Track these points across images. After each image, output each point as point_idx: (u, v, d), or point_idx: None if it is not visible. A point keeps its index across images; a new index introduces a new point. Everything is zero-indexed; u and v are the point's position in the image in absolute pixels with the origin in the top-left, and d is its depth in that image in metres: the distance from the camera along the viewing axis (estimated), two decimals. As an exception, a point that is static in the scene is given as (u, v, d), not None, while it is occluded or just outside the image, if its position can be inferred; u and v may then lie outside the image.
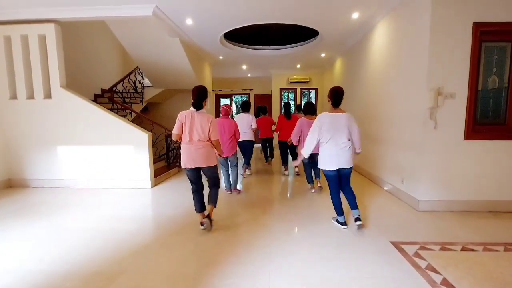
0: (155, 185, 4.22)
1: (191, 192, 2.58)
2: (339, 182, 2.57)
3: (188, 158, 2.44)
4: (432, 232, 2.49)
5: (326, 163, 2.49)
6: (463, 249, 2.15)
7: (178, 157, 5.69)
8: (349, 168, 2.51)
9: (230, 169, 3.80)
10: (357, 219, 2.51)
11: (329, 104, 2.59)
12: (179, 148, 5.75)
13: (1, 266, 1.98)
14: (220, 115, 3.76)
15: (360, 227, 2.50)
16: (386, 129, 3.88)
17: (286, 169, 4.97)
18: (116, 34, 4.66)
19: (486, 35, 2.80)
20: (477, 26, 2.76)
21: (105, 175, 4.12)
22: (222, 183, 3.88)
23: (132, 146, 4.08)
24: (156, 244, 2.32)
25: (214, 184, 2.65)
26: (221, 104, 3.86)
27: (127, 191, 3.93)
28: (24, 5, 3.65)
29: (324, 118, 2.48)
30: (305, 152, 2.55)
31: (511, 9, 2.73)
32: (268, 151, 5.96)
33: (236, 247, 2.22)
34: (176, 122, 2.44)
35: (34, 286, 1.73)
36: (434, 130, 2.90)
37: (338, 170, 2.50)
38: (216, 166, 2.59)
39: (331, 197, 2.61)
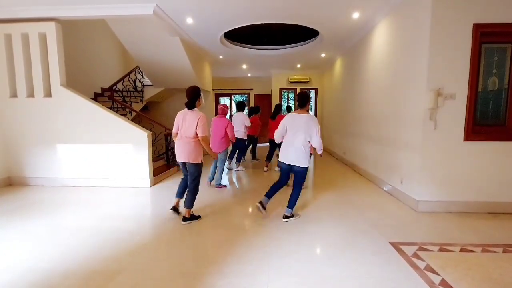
0: (154, 184, 4.22)
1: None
2: (294, 177, 2.78)
3: (176, 152, 2.68)
4: (431, 233, 2.50)
5: (282, 156, 2.74)
6: (462, 250, 2.15)
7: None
8: (299, 167, 2.64)
9: (218, 165, 4.00)
10: (285, 216, 2.74)
11: (296, 105, 2.83)
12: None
13: (0, 264, 1.98)
14: (218, 113, 4.05)
15: (285, 220, 2.73)
16: (385, 129, 3.88)
17: (266, 165, 5.22)
18: (117, 33, 4.66)
19: (486, 36, 2.80)
20: (477, 27, 2.76)
21: (104, 173, 4.12)
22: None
23: (132, 145, 4.08)
24: (155, 243, 2.32)
25: (191, 183, 2.66)
26: (220, 103, 4.18)
27: (126, 189, 3.93)
28: (24, 3, 3.64)
29: (288, 118, 2.71)
30: (275, 139, 2.86)
31: (511, 10, 2.73)
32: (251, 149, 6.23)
33: (234, 246, 2.22)
34: (174, 122, 2.71)
35: (33, 284, 1.73)
36: (434, 131, 2.90)
37: (291, 166, 2.68)
38: (199, 165, 2.64)
39: (273, 184, 2.82)
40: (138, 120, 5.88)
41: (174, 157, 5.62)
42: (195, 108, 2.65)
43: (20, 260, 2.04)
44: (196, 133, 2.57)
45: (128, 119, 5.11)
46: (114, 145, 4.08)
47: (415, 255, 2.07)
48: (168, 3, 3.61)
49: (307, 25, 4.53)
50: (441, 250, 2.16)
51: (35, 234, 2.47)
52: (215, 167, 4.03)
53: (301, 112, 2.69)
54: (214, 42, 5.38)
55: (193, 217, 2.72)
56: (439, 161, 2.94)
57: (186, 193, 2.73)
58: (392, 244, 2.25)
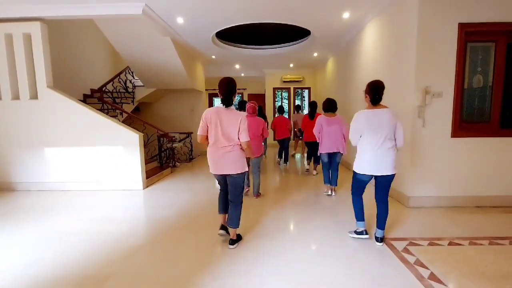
0: (147, 186, 4.17)
1: (218, 191, 2.34)
2: (375, 190, 2.21)
3: (215, 163, 2.11)
4: (421, 228, 2.55)
5: (364, 167, 2.10)
6: (450, 244, 2.21)
7: (171, 157, 5.64)
8: (391, 175, 2.08)
9: (253, 172, 3.54)
10: (381, 239, 2.19)
11: (366, 100, 2.19)
12: (172, 148, 5.69)
13: (-14, 272, 1.92)
14: (247, 113, 3.47)
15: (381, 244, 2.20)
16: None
17: (315, 168, 4.93)
18: (105, 33, 4.57)
19: (471, 35, 2.87)
20: (462, 27, 2.83)
21: (95, 177, 4.05)
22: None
23: (123, 147, 4.01)
24: (147, 246, 2.30)
25: (236, 196, 2.20)
26: (249, 101, 3.52)
27: (118, 192, 3.87)
28: (7, 2, 3.53)
29: (362, 117, 2.09)
30: (352, 143, 2.23)
31: (495, 9, 2.81)
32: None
33: (228, 247, 2.21)
34: (200, 122, 2.12)
35: (20, 292, 1.69)
36: (423, 128, 2.97)
37: (375, 177, 2.12)
38: (244, 173, 2.19)
39: (353, 202, 2.29)
40: (130, 121, 5.80)
41: (168, 158, 5.58)
42: (233, 106, 2.15)
43: (9, 266, 1.98)
44: (238, 138, 2.08)
45: (119, 120, 5.02)
46: (104, 147, 4.00)
47: (406, 250, 2.12)
48: (158, 3, 3.56)
49: (299, 25, 4.55)
50: (430, 244, 2.21)
51: (24, 240, 2.41)
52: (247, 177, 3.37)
53: (375, 107, 2.11)
54: (206, 42, 5.34)
55: (239, 238, 2.28)
56: (428, 157, 3.01)
57: (230, 209, 2.23)
58: (383, 239, 2.29)
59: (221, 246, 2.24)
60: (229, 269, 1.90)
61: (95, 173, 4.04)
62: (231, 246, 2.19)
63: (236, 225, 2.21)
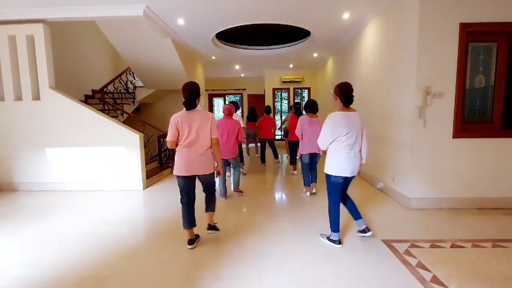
0: (147, 187, 4.17)
1: (181, 205, 2.25)
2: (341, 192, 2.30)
3: (185, 164, 2.13)
4: (423, 229, 2.53)
5: (339, 169, 2.12)
6: (452, 246, 2.19)
7: (171, 158, 5.64)
8: (356, 174, 2.25)
9: (232, 170, 3.73)
10: (366, 229, 2.30)
11: (337, 102, 2.18)
12: (172, 149, 5.69)
13: (-14, 272, 1.92)
14: (223, 115, 3.70)
15: (370, 235, 2.30)
16: (376, 127, 3.92)
17: (294, 168, 4.99)
18: (106, 35, 4.59)
19: (472, 35, 2.85)
20: (463, 27, 2.82)
21: (96, 177, 4.05)
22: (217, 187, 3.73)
23: (124, 148, 4.02)
24: (147, 246, 2.29)
25: (211, 189, 2.40)
26: (226, 103, 3.64)
27: (118, 193, 3.87)
28: (11, 4, 3.56)
29: (339, 118, 2.10)
30: (321, 146, 2.25)
31: (496, 9, 2.80)
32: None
33: (227, 248, 2.21)
34: (170, 128, 2.12)
35: (20, 293, 1.69)
36: (424, 129, 2.95)
37: (345, 178, 2.18)
38: (214, 172, 2.34)
39: (330, 210, 2.25)
40: (130, 122, 5.81)
41: (167, 159, 5.58)
42: (198, 107, 2.19)
43: (9, 266, 1.99)
44: (210, 137, 2.19)
45: (120, 121, 5.03)
46: (105, 148, 4.01)
47: (407, 252, 2.10)
48: (159, 4, 3.58)
49: (299, 26, 4.55)
50: (432, 246, 2.19)
51: (24, 240, 2.41)
52: (224, 182, 3.52)
53: (348, 109, 2.15)
54: (206, 43, 5.36)
55: (215, 228, 2.50)
56: (429, 158, 2.98)
57: (206, 198, 2.42)
58: (385, 241, 2.27)
59: (221, 247, 2.23)
60: (228, 270, 1.89)
61: (96, 173, 4.05)
62: (209, 231, 2.45)
63: (213, 209, 2.45)
